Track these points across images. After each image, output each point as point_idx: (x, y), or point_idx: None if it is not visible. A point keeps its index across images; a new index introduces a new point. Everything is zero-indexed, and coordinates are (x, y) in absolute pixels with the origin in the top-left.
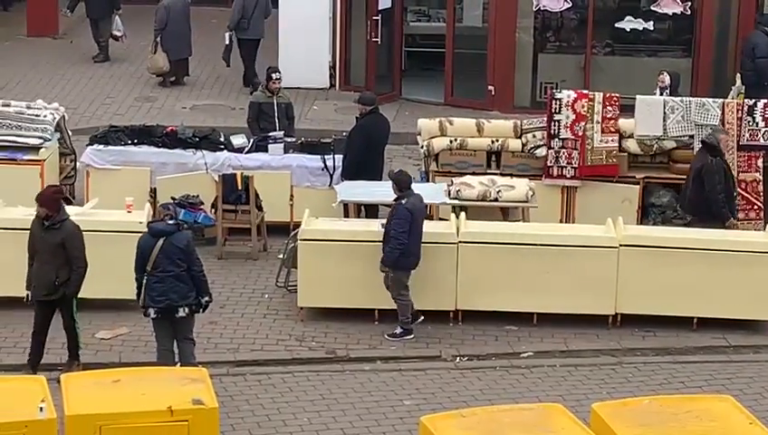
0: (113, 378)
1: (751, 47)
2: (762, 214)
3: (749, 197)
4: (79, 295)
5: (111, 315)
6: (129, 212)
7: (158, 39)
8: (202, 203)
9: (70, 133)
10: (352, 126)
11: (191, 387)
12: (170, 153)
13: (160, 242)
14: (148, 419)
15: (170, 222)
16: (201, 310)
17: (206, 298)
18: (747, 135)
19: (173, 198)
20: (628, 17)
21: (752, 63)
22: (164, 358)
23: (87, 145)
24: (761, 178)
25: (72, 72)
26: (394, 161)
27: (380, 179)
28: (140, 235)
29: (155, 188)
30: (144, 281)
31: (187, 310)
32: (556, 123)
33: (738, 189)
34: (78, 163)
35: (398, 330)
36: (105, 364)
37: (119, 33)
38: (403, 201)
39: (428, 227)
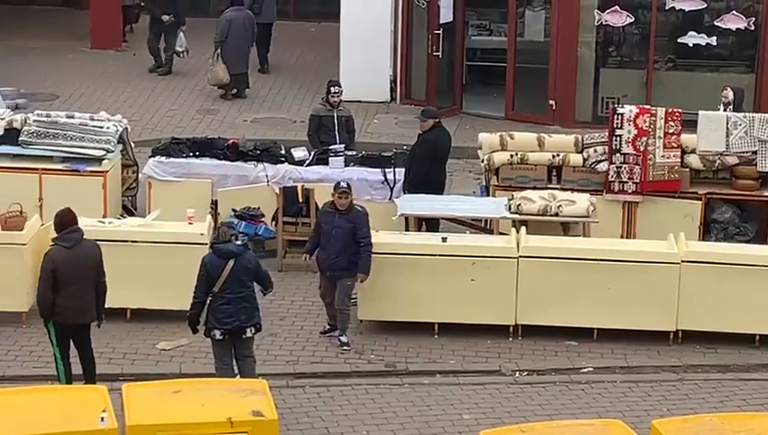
0: (174, 389)
1: None
2: None
3: None
4: (138, 306)
5: (172, 326)
6: (190, 224)
7: (219, 51)
8: (263, 215)
9: (132, 145)
10: (415, 140)
11: (251, 398)
12: (231, 165)
13: (231, 263)
14: (208, 429)
15: (238, 242)
16: (264, 294)
17: (270, 289)
18: None
19: (234, 211)
20: (690, 32)
21: None
22: (224, 373)
23: (149, 157)
24: None
25: (134, 85)
26: (455, 175)
27: (443, 193)
28: (206, 254)
29: (216, 201)
30: (208, 302)
31: (253, 330)
32: (618, 138)
33: None
34: (140, 175)
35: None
36: (166, 375)
37: (180, 49)
38: (359, 207)
39: (489, 241)
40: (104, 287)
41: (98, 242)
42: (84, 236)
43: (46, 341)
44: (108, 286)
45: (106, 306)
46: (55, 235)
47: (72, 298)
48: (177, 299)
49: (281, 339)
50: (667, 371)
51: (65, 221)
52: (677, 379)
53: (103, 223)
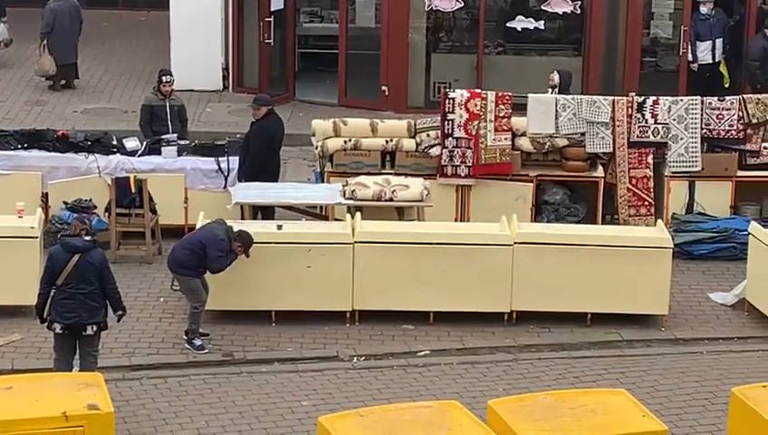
0: (5, 385)
1: None
2: (652, 210)
3: (640, 193)
4: None
5: (3, 322)
6: (20, 217)
7: (45, 42)
8: (95, 207)
9: None
10: (248, 128)
11: (86, 392)
12: (62, 157)
13: (75, 258)
14: (43, 425)
15: (87, 238)
16: (118, 321)
17: (120, 312)
18: (637, 132)
19: (65, 203)
20: (519, 17)
21: None
22: (60, 368)
23: None
24: (651, 174)
25: None
26: (289, 162)
27: (277, 181)
28: (53, 245)
29: (47, 193)
30: (51, 295)
31: (95, 328)
32: (450, 122)
33: (629, 186)
34: None
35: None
36: None
37: None
38: None
39: (324, 227)
40: None
41: None
42: None
43: None
44: None
45: None
46: None
47: None
48: (8, 294)
49: (116, 331)
50: (502, 351)
51: None
52: (512, 359)
53: None
